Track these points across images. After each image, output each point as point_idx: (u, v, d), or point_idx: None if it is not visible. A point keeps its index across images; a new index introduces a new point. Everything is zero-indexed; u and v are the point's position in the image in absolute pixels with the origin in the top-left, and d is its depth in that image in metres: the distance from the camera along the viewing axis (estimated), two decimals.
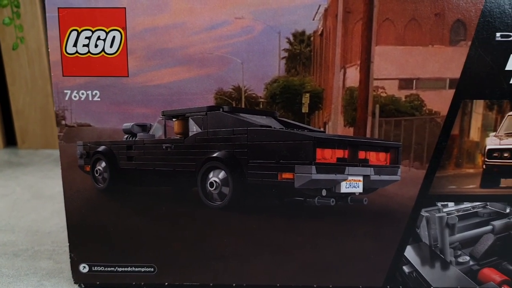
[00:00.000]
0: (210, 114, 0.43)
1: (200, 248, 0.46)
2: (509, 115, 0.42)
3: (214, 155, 0.44)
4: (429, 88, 0.42)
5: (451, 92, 0.42)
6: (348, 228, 0.45)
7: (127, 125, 0.43)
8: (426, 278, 0.46)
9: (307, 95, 0.42)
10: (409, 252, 0.46)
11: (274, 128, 0.43)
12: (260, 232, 0.45)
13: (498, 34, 0.41)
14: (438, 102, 0.42)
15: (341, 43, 0.41)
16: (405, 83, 0.42)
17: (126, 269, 0.47)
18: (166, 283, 0.48)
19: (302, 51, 0.41)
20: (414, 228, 0.45)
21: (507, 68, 0.41)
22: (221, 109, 0.43)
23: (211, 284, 0.47)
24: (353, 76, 0.42)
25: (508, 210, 0.45)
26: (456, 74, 0.41)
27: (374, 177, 0.44)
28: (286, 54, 0.41)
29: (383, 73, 0.42)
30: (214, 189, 0.45)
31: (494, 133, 0.43)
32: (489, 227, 0.45)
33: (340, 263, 0.46)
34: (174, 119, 0.43)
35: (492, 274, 0.46)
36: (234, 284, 0.47)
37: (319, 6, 0.41)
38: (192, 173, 0.44)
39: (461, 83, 0.41)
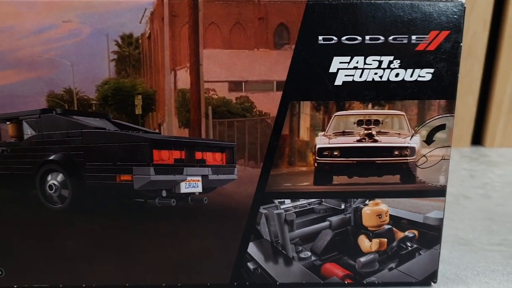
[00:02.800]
0: (43, 117, 0.43)
1: (46, 250, 0.46)
2: (336, 116, 0.44)
3: (51, 157, 0.44)
4: (258, 90, 0.43)
5: (279, 94, 0.43)
6: (191, 228, 0.46)
7: None
8: (271, 274, 0.48)
9: (139, 96, 0.43)
10: (252, 249, 0.47)
11: (109, 130, 0.44)
12: (105, 233, 0.46)
13: (320, 38, 0.42)
14: (267, 103, 0.44)
15: (169, 46, 0.42)
16: (234, 86, 0.43)
17: None
18: (15, 286, 0.47)
19: (131, 53, 0.42)
20: (254, 225, 0.46)
21: (331, 70, 0.43)
22: (54, 112, 0.43)
23: (61, 286, 0.48)
24: (183, 78, 0.43)
25: (343, 206, 0.47)
26: (283, 76, 0.43)
27: (212, 177, 0.45)
28: (115, 56, 0.42)
29: (213, 76, 0.43)
30: (54, 192, 0.45)
31: (323, 133, 0.45)
32: (326, 223, 0.47)
33: (187, 262, 0.47)
34: (8, 123, 0.44)
35: (334, 269, 0.48)
36: (84, 285, 0.48)
37: (145, 9, 0.41)
38: (30, 176, 0.45)
39: (287, 85, 0.43)
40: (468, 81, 0.97)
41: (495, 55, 0.97)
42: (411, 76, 0.43)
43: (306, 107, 0.44)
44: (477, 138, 1.03)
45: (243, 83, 0.43)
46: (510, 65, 0.96)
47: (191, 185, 0.45)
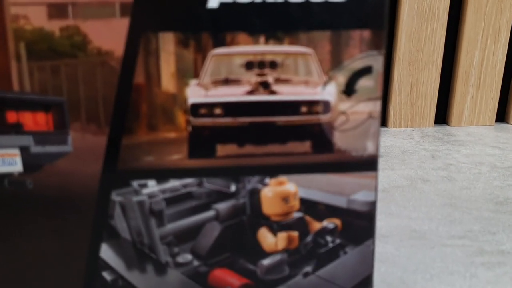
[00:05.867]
0: None
1: None
2: (214, 56, 0.31)
3: None
4: (92, 16, 0.30)
5: (125, 21, 0.30)
6: (15, 223, 0.33)
7: None
8: (138, 287, 0.34)
9: None
10: (107, 253, 0.34)
11: None
12: None
13: None
14: (109, 36, 0.30)
15: None
16: (56, 10, 0.30)
17: None
18: None
19: None
20: (106, 218, 0.33)
21: None
22: None
23: None
24: None
25: (234, 188, 0.34)
26: None
27: (36, 149, 0.32)
28: None
29: None
30: None
31: (196, 81, 0.31)
32: (211, 213, 0.34)
33: (16, 272, 0.33)
34: None
35: (227, 277, 0.35)
36: None
37: None
38: None
39: (137, 7, 0.30)
40: (429, 49, 0.85)
41: (460, 17, 0.86)
42: None
43: (168, 42, 0.31)
44: (442, 116, 0.92)
45: (69, 6, 0.30)
46: (477, 29, 0.85)
47: (5, 161, 0.31)
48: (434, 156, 0.72)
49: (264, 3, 0.30)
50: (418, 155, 0.72)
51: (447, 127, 0.89)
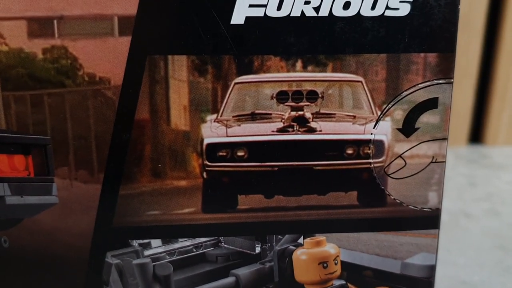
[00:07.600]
0: None
1: None
2: (237, 83, 0.25)
3: None
4: (84, 34, 0.24)
5: (126, 41, 0.24)
6: None
7: None
8: None
9: None
10: None
11: None
12: None
13: None
14: (105, 60, 0.24)
15: None
16: (39, 27, 0.24)
17: None
18: None
19: None
20: (100, 285, 0.27)
21: None
22: None
23: None
24: None
25: (258, 249, 0.28)
26: (131, 7, 0.24)
27: (11, 200, 0.26)
28: None
29: None
30: None
31: (215, 116, 0.25)
32: (230, 280, 0.28)
33: None
34: None
35: None
36: None
37: None
38: None
39: (140, 24, 0.24)
40: (463, 61, 0.79)
41: (497, 26, 0.80)
42: (372, 7, 0.24)
43: (179, 67, 0.25)
44: (476, 135, 0.86)
45: (55, 22, 0.24)
46: None
47: None
48: (472, 183, 0.66)
49: (302, 17, 0.24)
50: (454, 182, 0.66)
51: (481, 147, 0.83)
